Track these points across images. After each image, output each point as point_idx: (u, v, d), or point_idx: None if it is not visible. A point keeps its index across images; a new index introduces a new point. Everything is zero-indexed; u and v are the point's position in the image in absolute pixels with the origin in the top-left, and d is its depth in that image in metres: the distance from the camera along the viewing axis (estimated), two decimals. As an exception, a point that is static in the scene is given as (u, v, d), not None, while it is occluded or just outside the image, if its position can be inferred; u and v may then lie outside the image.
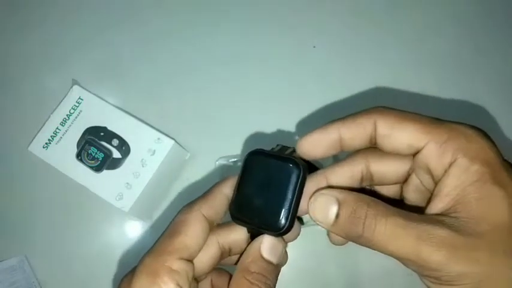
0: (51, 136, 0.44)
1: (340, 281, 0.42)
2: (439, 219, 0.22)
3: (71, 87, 0.45)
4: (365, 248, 0.23)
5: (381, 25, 0.49)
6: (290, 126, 0.46)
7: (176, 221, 0.27)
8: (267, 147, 0.46)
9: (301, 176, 0.28)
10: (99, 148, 0.44)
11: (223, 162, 0.44)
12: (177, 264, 0.25)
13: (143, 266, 0.25)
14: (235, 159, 0.44)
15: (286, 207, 0.27)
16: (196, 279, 0.28)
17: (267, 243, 0.27)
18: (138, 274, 0.25)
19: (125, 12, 0.50)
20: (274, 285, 0.27)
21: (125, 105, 0.46)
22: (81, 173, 0.43)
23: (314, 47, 0.49)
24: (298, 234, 0.30)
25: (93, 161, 0.44)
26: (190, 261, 0.26)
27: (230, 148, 0.45)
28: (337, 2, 0.50)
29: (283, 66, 0.48)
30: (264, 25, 0.49)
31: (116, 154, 0.44)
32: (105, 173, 0.43)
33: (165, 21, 0.50)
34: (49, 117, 0.45)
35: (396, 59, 0.48)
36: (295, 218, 0.28)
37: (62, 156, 0.44)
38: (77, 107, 0.45)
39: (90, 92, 0.45)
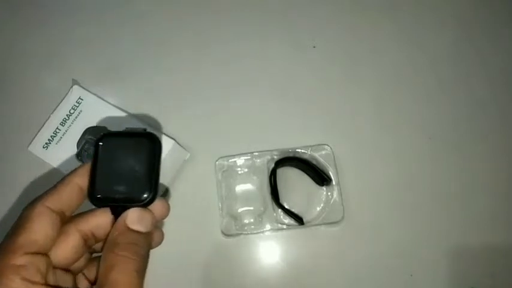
0: (51, 136, 0.44)
1: (340, 281, 0.42)
2: None
3: (71, 87, 0.45)
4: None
5: (380, 25, 0.49)
6: (290, 125, 0.46)
7: (20, 218, 0.28)
8: (267, 147, 0.46)
9: (158, 147, 0.28)
10: (99, 148, 0.44)
11: (223, 162, 0.44)
12: (23, 260, 0.25)
13: None
14: (235, 159, 0.44)
15: (148, 178, 0.28)
16: (71, 272, 0.29)
17: (132, 215, 0.28)
18: None
19: (125, 13, 0.50)
20: (147, 253, 0.28)
21: (125, 105, 0.46)
22: (81, 173, 0.43)
23: (314, 47, 0.49)
24: (168, 210, 0.30)
25: (93, 161, 0.44)
26: (41, 254, 0.26)
27: (230, 148, 0.45)
28: (337, 2, 0.50)
29: (283, 66, 0.48)
30: (264, 25, 0.49)
31: (116, 154, 0.44)
32: (105, 173, 0.43)
33: (165, 21, 0.50)
34: (49, 117, 0.45)
35: (396, 59, 0.48)
36: (157, 187, 0.28)
37: (62, 156, 0.44)
38: (77, 107, 0.45)
39: (90, 92, 0.45)
